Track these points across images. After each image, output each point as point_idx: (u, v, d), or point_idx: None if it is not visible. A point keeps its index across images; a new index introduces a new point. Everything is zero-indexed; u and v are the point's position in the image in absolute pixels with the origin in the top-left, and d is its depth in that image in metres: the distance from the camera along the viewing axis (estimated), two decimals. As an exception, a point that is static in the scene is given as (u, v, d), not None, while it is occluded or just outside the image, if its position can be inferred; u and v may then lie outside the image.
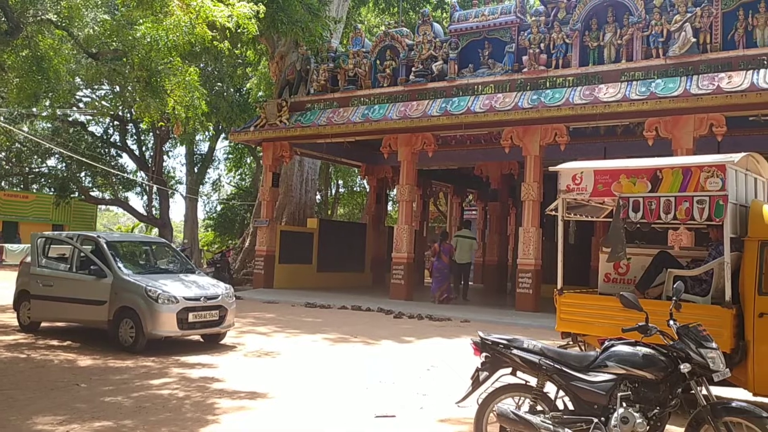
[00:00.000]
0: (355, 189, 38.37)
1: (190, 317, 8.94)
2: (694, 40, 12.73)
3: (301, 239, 19.88)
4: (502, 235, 21.37)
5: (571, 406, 4.49)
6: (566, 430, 4.31)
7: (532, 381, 4.64)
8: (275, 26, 16.72)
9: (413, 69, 16.16)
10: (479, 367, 4.73)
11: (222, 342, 9.73)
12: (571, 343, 7.13)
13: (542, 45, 14.41)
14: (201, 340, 9.76)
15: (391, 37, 16.94)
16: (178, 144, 33.53)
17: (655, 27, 13.22)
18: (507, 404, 4.62)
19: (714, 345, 4.31)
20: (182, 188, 35.85)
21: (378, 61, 17.13)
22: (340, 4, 22.35)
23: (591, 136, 16.27)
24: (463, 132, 16.31)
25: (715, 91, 12.02)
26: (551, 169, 7.36)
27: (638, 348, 4.39)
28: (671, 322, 4.41)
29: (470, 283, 19.48)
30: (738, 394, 6.05)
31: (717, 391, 5.59)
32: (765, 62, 12.03)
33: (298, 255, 19.48)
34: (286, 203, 21.37)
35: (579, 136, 15.57)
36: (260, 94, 26.21)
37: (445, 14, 26.34)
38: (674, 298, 4.66)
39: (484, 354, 4.73)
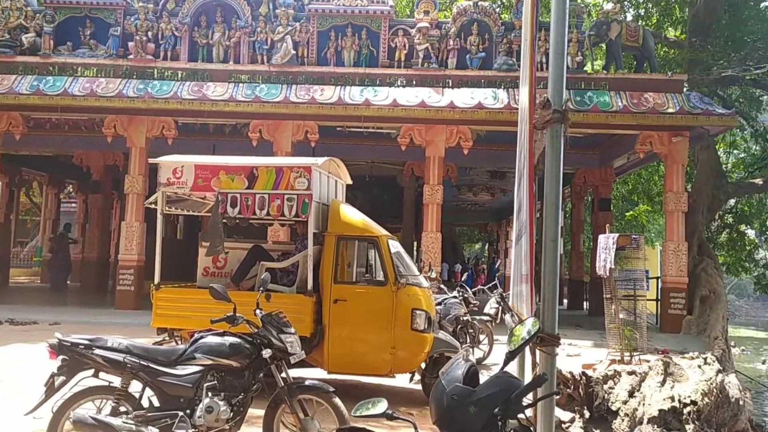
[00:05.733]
0: None
1: None
2: (294, 52, 13.84)
3: None
4: (104, 230, 19.98)
5: (156, 403, 4.39)
6: (150, 428, 4.19)
7: (117, 381, 4.40)
8: None
9: (-2, 38, 13.95)
10: (55, 372, 4.29)
11: None
12: (167, 339, 7.04)
13: (150, 33, 13.93)
14: None
15: (-31, -5, 14.34)
16: None
17: (261, 34, 13.98)
18: (87, 409, 4.28)
19: (292, 330, 4.71)
20: None
21: (-51, 22, 14.30)
22: None
23: (200, 132, 16.36)
24: (60, 115, 14.69)
25: (310, 101, 13.27)
26: (151, 161, 7.17)
27: (225, 338, 4.52)
28: (257, 311, 4.67)
29: (68, 282, 19.40)
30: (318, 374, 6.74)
31: (299, 373, 6.16)
32: (350, 80, 13.76)
33: None
34: None
35: (188, 132, 15.48)
36: None
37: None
38: (261, 289, 4.95)
39: (61, 357, 4.30)
